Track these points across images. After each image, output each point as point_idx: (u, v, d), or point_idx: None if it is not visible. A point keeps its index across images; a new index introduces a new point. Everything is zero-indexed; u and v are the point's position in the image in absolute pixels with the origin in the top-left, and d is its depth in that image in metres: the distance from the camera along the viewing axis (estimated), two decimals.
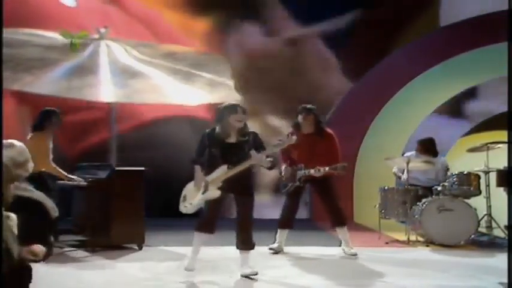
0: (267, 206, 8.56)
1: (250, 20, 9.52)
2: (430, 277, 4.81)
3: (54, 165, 5.95)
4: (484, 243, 6.63)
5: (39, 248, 2.68)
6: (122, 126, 8.39)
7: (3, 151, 2.66)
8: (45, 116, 6.01)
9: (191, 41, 9.42)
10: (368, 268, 5.23)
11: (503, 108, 8.44)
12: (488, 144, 6.93)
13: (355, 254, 5.72)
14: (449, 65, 8.45)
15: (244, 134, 4.65)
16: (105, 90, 7.71)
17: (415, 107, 9.03)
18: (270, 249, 5.85)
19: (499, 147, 6.90)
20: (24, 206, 2.73)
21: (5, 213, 2.50)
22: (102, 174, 6.10)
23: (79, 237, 6.35)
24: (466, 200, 6.48)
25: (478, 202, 6.67)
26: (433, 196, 6.63)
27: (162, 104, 8.47)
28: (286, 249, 5.92)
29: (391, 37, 9.48)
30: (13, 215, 2.57)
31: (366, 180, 8.55)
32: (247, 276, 4.62)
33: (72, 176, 6.10)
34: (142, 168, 6.26)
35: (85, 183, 6.00)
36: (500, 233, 6.74)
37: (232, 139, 4.64)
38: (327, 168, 5.54)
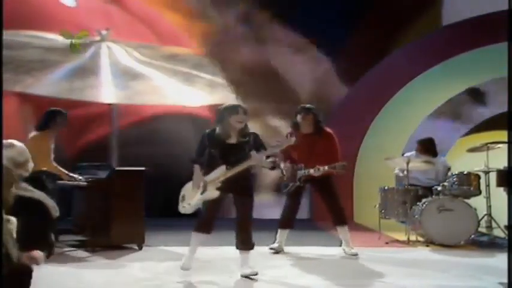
0: (268, 206, 8.57)
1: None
2: (430, 277, 4.81)
3: (55, 164, 5.95)
4: (484, 243, 6.63)
5: (38, 254, 2.68)
6: (120, 122, 8.40)
7: (3, 151, 2.66)
8: (51, 115, 6.02)
9: (192, 43, 9.43)
10: (368, 268, 5.23)
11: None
12: (488, 144, 6.93)
13: (356, 254, 5.72)
14: (449, 65, 8.45)
15: (244, 135, 4.64)
16: (106, 92, 7.76)
17: (415, 107, 9.02)
18: (271, 248, 5.85)
19: (499, 147, 6.90)
20: (25, 206, 2.73)
21: (5, 216, 2.50)
22: (102, 174, 6.10)
23: (79, 237, 6.35)
24: (466, 200, 6.48)
25: (478, 202, 6.67)
26: (433, 196, 6.63)
27: (162, 105, 8.51)
28: (286, 249, 5.93)
29: (391, 37, 9.48)
30: (13, 219, 2.57)
31: (366, 180, 8.54)
32: (247, 277, 4.62)
33: (73, 175, 6.11)
34: (143, 168, 6.27)
35: (85, 183, 6.01)
36: (500, 233, 6.74)
37: (233, 140, 4.64)
38: (326, 167, 5.54)
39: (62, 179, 6.06)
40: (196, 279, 4.62)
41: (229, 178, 4.58)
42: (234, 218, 4.75)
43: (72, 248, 6.06)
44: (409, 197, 6.61)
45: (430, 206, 6.37)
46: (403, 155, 7.39)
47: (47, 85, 7.59)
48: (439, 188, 6.62)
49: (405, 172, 6.74)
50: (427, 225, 6.33)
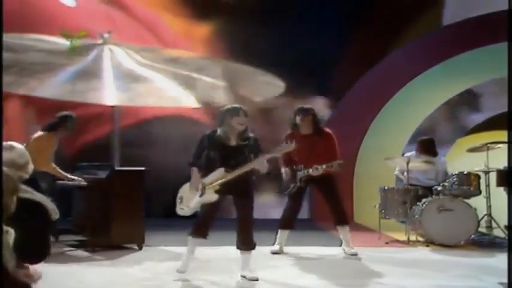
0: (270, 206, 8.58)
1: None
2: (430, 277, 4.81)
3: (54, 165, 5.97)
4: (484, 243, 6.63)
5: (35, 272, 2.68)
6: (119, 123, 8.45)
7: (3, 153, 2.65)
8: (62, 119, 6.08)
9: (193, 46, 9.46)
10: (368, 268, 5.23)
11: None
12: (488, 144, 6.93)
13: (356, 254, 5.72)
14: (449, 65, 8.45)
15: (244, 138, 4.62)
16: (108, 94, 7.83)
17: (415, 107, 9.03)
18: (272, 252, 5.83)
19: (499, 147, 6.90)
20: (25, 208, 2.72)
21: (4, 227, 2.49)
22: (102, 174, 6.10)
23: (79, 237, 6.35)
24: (466, 200, 6.48)
25: (478, 202, 6.67)
26: (433, 196, 6.63)
27: (163, 107, 8.55)
28: (286, 249, 5.92)
29: (391, 37, 9.48)
30: (11, 230, 2.56)
31: (366, 180, 8.55)
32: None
33: (73, 176, 6.11)
34: (143, 168, 6.27)
35: (85, 183, 6.01)
36: (500, 233, 6.74)
37: (233, 142, 4.61)
38: (323, 166, 5.54)
39: (61, 179, 6.07)
40: (197, 279, 4.62)
41: (228, 181, 4.57)
42: (235, 218, 4.74)
43: (72, 248, 6.06)
44: (409, 197, 6.61)
45: (430, 206, 6.37)
46: (403, 155, 7.40)
47: (51, 87, 7.68)
48: (439, 188, 6.63)
49: (405, 173, 6.74)
50: (427, 225, 6.33)
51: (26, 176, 2.81)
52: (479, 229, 6.58)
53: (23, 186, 2.80)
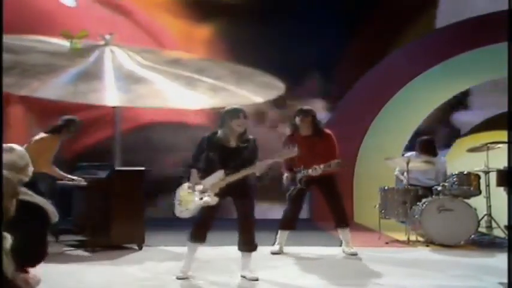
0: (273, 207, 8.58)
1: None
2: (430, 277, 4.81)
3: (54, 167, 5.99)
4: (484, 243, 6.62)
5: (34, 279, 2.67)
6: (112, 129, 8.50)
7: (4, 155, 2.65)
8: (65, 122, 6.12)
9: (194, 48, 9.49)
10: (368, 268, 5.23)
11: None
12: (488, 144, 6.93)
13: (356, 254, 5.73)
14: (449, 65, 8.45)
15: (243, 140, 4.62)
16: (109, 95, 7.87)
17: (415, 107, 9.02)
18: (272, 252, 5.83)
19: (499, 147, 6.90)
20: (25, 211, 2.72)
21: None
22: (102, 174, 6.10)
23: (79, 237, 6.35)
24: (466, 200, 6.48)
25: (478, 202, 6.67)
26: (433, 196, 6.63)
27: (164, 108, 8.57)
28: (286, 249, 5.93)
29: (391, 37, 9.48)
30: (8, 235, 2.55)
31: (366, 180, 8.54)
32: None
33: (72, 177, 6.12)
34: (143, 168, 6.27)
35: (85, 183, 6.01)
36: (500, 233, 6.74)
37: (232, 144, 4.61)
38: (322, 166, 5.53)
39: (61, 180, 6.07)
40: (197, 279, 4.62)
41: (228, 183, 4.56)
42: (235, 219, 4.73)
43: (72, 248, 6.07)
44: (409, 197, 6.61)
45: (430, 206, 6.37)
46: (403, 155, 7.40)
47: (52, 89, 7.73)
48: (439, 188, 6.62)
49: (405, 174, 6.74)
50: (427, 225, 6.33)
51: (26, 179, 2.80)
52: (479, 229, 6.58)
53: (23, 189, 2.79)
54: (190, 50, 9.41)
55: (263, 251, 5.55)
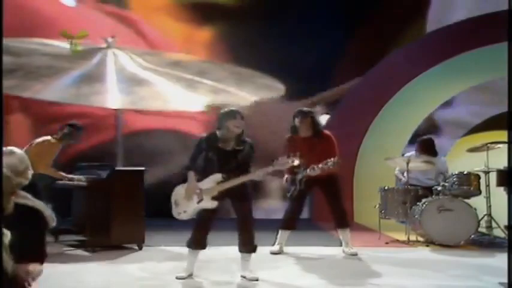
0: (275, 209, 8.59)
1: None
2: (430, 277, 4.81)
3: (53, 169, 6.00)
4: (484, 243, 6.62)
5: (35, 268, 2.67)
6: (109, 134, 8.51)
7: (3, 158, 2.64)
8: (69, 128, 6.17)
9: (194, 50, 9.50)
10: (368, 268, 5.23)
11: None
12: (488, 144, 6.93)
13: (356, 254, 5.73)
14: (449, 65, 8.45)
15: (239, 143, 4.61)
16: (111, 97, 7.90)
17: (415, 107, 9.02)
18: (272, 252, 5.83)
19: (499, 147, 6.90)
20: (23, 214, 2.71)
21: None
22: (102, 174, 6.10)
23: (79, 237, 6.35)
24: (466, 200, 6.48)
25: (478, 202, 6.67)
26: (433, 196, 6.62)
27: (165, 110, 8.61)
28: (286, 249, 5.93)
29: (391, 37, 9.50)
30: (7, 231, 2.55)
31: (366, 180, 8.54)
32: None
33: (73, 176, 6.13)
34: (143, 168, 6.27)
35: (85, 183, 6.01)
36: (500, 233, 6.73)
37: (229, 146, 4.60)
38: (320, 166, 5.52)
39: (60, 180, 6.08)
40: (197, 279, 4.63)
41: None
42: (235, 219, 4.72)
43: (72, 248, 6.06)
44: (409, 197, 6.61)
45: (430, 206, 6.37)
46: (403, 155, 7.40)
47: (55, 91, 7.79)
48: (439, 188, 6.62)
49: (405, 174, 6.74)
50: (427, 225, 6.33)
51: (26, 182, 2.79)
52: (479, 229, 6.58)
53: (22, 193, 2.79)
54: (191, 52, 9.43)
55: (263, 251, 5.57)
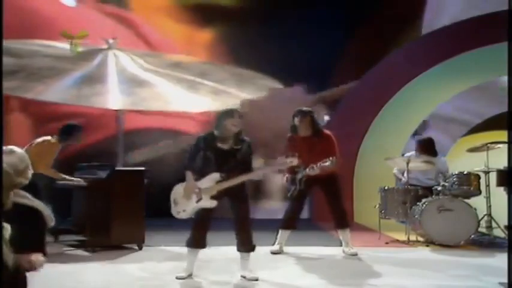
0: (273, 208, 8.58)
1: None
2: (430, 277, 4.81)
3: (53, 170, 6.00)
4: (484, 243, 6.62)
5: (37, 258, 2.67)
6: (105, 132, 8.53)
7: (4, 157, 2.65)
8: (70, 128, 6.17)
9: (195, 52, 9.52)
10: (368, 268, 5.23)
11: None
12: (488, 144, 6.92)
13: (356, 254, 5.73)
14: (449, 65, 8.45)
15: (237, 142, 4.61)
16: (112, 98, 7.93)
17: (415, 107, 9.03)
18: (272, 252, 5.83)
19: (499, 147, 6.90)
20: (22, 214, 2.72)
21: None
22: (102, 174, 6.10)
23: (79, 237, 6.35)
24: (466, 200, 6.48)
25: (478, 202, 6.67)
26: (433, 196, 6.62)
27: (166, 111, 8.64)
28: (286, 249, 5.93)
29: (391, 37, 9.50)
30: (7, 225, 2.55)
31: (366, 180, 8.55)
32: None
33: (72, 177, 6.13)
34: (143, 168, 6.27)
35: (85, 183, 6.01)
36: (500, 233, 6.73)
37: (226, 146, 4.60)
38: (319, 164, 5.51)
39: (59, 180, 6.08)
40: (197, 279, 4.62)
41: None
42: (233, 219, 4.73)
43: (72, 248, 6.06)
44: (409, 197, 6.61)
45: (430, 206, 6.37)
46: (403, 155, 7.40)
47: (57, 92, 7.81)
48: (439, 188, 6.62)
49: (404, 173, 6.74)
50: (427, 225, 6.33)
51: (26, 182, 2.80)
52: (479, 229, 6.58)
53: (22, 192, 2.79)
54: (191, 54, 9.45)
55: (263, 251, 5.57)
